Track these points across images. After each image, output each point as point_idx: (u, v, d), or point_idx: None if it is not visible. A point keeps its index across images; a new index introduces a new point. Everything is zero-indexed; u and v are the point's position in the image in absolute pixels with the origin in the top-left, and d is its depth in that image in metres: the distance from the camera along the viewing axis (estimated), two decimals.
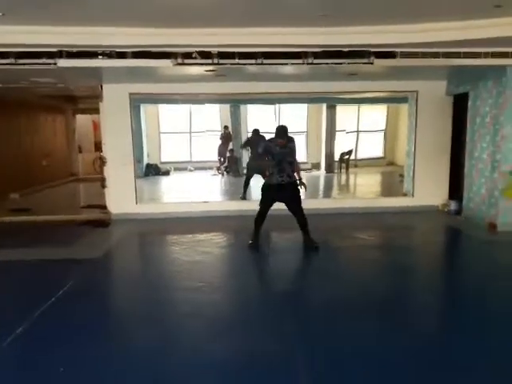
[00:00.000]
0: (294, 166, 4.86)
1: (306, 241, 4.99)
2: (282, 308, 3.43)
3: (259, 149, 4.98)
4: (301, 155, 11.67)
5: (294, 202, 4.88)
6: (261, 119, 11.28)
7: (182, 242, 5.43)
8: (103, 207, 6.87)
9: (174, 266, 4.62)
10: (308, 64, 5.05)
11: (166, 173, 11.51)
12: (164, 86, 6.57)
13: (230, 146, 11.25)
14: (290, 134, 4.89)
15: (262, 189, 4.98)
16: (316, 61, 5.03)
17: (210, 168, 11.43)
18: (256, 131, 8.45)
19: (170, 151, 12.31)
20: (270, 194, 4.88)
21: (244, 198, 7.55)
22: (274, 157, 4.78)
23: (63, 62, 4.86)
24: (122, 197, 6.75)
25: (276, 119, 11.61)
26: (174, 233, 5.98)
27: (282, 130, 4.80)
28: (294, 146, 4.92)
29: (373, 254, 4.96)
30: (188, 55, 4.93)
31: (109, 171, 6.78)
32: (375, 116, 12.51)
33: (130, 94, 6.61)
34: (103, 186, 6.87)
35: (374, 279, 4.09)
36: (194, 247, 5.15)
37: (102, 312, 3.43)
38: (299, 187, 4.92)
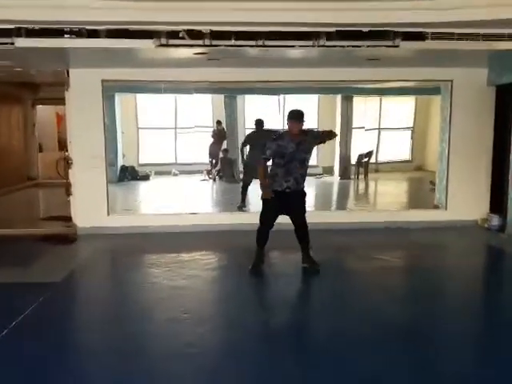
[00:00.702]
0: (305, 168, 4.78)
1: (304, 260, 4.93)
2: (284, 348, 3.41)
3: (267, 151, 4.73)
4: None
5: (297, 210, 4.85)
6: (261, 113, 11.30)
7: (164, 262, 5.40)
8: (67, 219, 6.84)
9: (152, 292, 4.59)
10: (319, 47, 5.06)
11: (145, 177, 11.48)
12: (144, 72, 6.58)
13: (224, 146, 11.23)
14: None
15: (262, 198, 4.90)
16: (329, 43, 5.04)
17: (199, 172, 11.40)
18: (259, 123, 8.21)
19: (150, 151, 12.30)
20: (272, 205, 4.77)
21: (243, 206, 7.55)
22: (284, 157, 4.68)
23: (22, 42, 4.86)
24: (90, 207, 6.73)
25: (280, 113, 11.63)
26: (154, 251, 5.96)
27: (298, 116, 4.62)
28: (313, 142, 4.79)
29: (396, 279, 4.94)
30: (174, 34, 4.93)
31: (75, 175, 6.76)
32: (401, 110, 12.53)
33: (103, 81, 6.62)
34: (68, 194, 6.84)
35: (397, 311, 4.07)
36: (178, 269, 5.12)
37: (59, 353, 3.36)
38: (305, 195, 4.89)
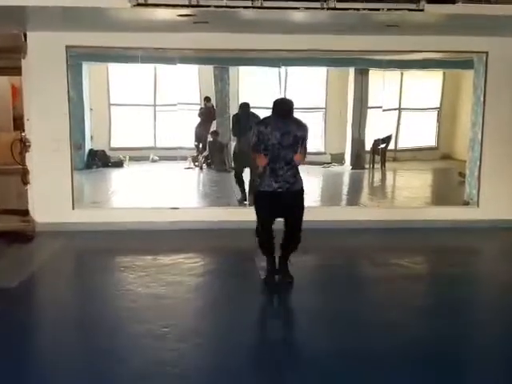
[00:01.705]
0: (295, 165, 4.73)
1: (281, 267, 4.92)
2: (279, 371, 3.42)
3: (253, 138, 4.78)
4: (316, 143, 11.69)
5: (293, 214, 4.79)
6: (259, 89, 11.27)
7: (139, 266, 5.41)
8: (24, 213, 6.82)
9: (126, 302, 4.59)
10: (329, 9, 5.04)
11: (118, 164, 11.41)
12: (118, 37, 6.56)
13: (213, 127, 11.21)
14: (299, 117, 4.83)
15: (254, 198, 4.99)
16: (340, 4, 5.02)
17: (183, 158, 11.36)
18: (245, 107, 8.42)
19: (124, 132, 12.26)
20: (264, 203, 4.78)
21: (244, 200, 7.65)
22: (267, 148, 4.66)
23: None
24: (52, 198, 6.72)
25: (281, 89, 11.60)
26: (128, 253, 5.97)
27: (284, 107, 4.67)
28: (305, 136, 4.78)
29: (419, 289, 4.97)
30: None
31: (34, 160, 6.74)
32: (425, 88, 12.49)
33: (68, 47, 6.60)
34: (25, 183, 6.83)
35: (419, 328, 4.09)
36: (157, 275, 5.13)
37: (10, 374, 3.32)
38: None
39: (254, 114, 7.84)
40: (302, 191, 4.82)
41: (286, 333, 4.14)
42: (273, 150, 4.64)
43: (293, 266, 5.00)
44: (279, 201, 4.70)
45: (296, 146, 4.65)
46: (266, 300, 4.82)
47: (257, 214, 4.86)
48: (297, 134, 4.67)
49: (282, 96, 4.63)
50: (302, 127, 4.76)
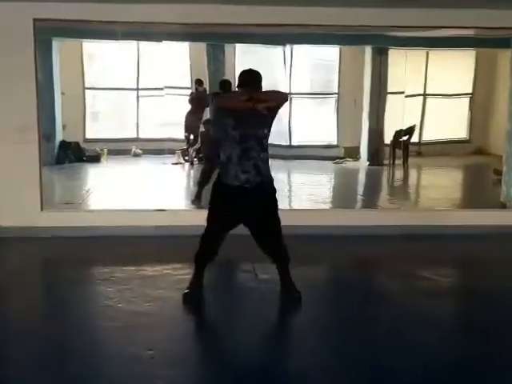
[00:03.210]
0: (266, 149, 4.61)
1: (285, 284, 4.87)
2: None
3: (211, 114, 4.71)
4: (326, 135, 11.71)
5: (264, 218, 4.65)
6: (259, 70, 11.29)
7: (120, 278, 5.41)
8: None
9: (104, 320, 4.58)
10: None
11: (95, 158, 11.43)
12: (94, 9, 6.57)
13: (206, 115, 11.19)
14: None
15: (211, 192, 4.81)
16: None
17: (171, 152, 11.37)
18: (225, 84, 8.44)
19: (101, 121, 12.27)
20: (224, 204, 4.65)
21: (197, 199, 7.89)
22: (227, 129, 4.52)
23: None
24: (17, 198, 6.70)
25: (286, 71, 11.62)
26: (106, 262, 5.96)
27: (251, 77, 4.60)
28: (276, 108, 4.59)
29: (450, 306, 4.97)
30: None
31: None
32: (455, 70, 12.51)
33: (36, 20, 6.60)
34: None
35: (450, 351, 4.08)
36: (140, 288, 5.14)
37: None
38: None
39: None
40: (273, 188, 4.71)
41: (295, 356, 4.09)
42: (239, 129, 4.48)
43: (299, 280, 4.99)
44: (246, 199, 4.54)
45: (266, 119, 4.53)
46: (265, 319, 4.75)
47: (209, 211, 4.79)
48: (262, 105, 4.39)
49: (252, 69, 4.46)
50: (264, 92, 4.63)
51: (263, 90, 4.65)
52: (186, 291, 4.88)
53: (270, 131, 4.62)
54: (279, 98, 4.70)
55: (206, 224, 4.80)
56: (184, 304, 4.82)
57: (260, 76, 4.66)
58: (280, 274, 4.91)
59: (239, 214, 4.62)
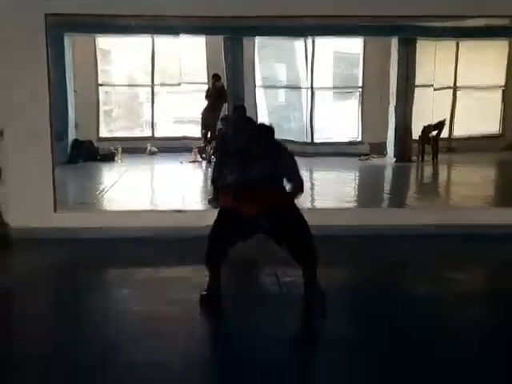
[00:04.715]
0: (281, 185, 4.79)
1: (308, 281, 4.80)
2: None
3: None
4: (350, 130, 11.65)
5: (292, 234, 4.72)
6: (280, 65, 11.25)
7: (137, 281, 5.45)
8: None
9: (121, 324, 4.59)
10: None
11: (109, 157, 11.53)
12: (107, 2, 6.60)
13: (224, 112, 11.19)
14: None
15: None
16: None
17: (187, 150, 11.39)
18: (239, 110, 8.38)
19: (115, 119, 12.32)
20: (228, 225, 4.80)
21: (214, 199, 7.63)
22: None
23: None
24: (30, 199, 6.72)
25: (307, 65, 11.58)
26: (122, 265, 6.01)
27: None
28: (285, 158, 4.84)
29: (482, 311, 4.89)
30: None
31: (7, 153, 6.77)
32: (487, 61, 12.40)
33: (48, 15, 6.60)
34: None
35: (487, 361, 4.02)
36: (158, 292, 5.15)
37: None
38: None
39: (250, 120, 7.68)
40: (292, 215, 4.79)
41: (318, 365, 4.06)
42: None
43: (322, 284, 4.94)
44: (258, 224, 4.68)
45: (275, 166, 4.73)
46: (295, 326, 4.72)
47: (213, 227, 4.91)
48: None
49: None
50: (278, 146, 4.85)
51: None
52: (203, 293, 4.94)
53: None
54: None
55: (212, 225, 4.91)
56: (201, 305, 4.85)
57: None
58: (306, 277, 4.81)
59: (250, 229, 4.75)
